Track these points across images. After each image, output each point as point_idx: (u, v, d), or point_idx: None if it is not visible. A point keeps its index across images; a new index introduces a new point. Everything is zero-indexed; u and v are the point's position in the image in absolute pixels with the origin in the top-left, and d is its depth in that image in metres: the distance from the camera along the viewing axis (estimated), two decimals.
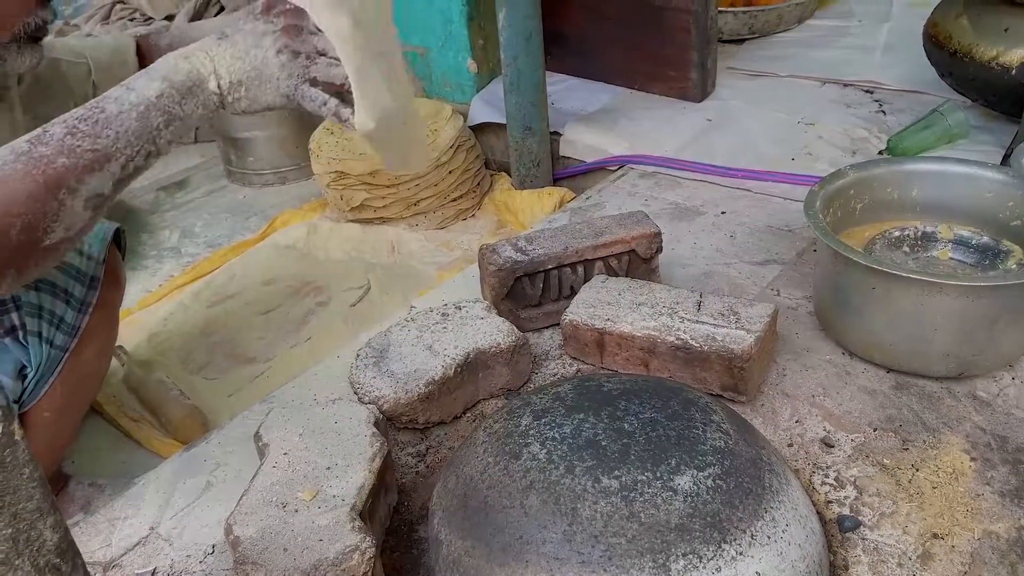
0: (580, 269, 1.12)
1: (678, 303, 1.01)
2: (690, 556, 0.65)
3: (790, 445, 0.89)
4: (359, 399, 0.95)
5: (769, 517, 0.69)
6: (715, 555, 0.65)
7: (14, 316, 1.01)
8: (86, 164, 0.65)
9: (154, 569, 0.83)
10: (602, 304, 1.03)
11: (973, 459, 0.84)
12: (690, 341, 0.95)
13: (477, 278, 1.17)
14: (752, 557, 0.66)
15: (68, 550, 0.48)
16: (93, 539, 0.87)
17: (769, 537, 0.68)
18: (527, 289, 1.11)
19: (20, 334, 1.02)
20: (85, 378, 1.12)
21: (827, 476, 0.85)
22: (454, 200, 1.81)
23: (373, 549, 0.70)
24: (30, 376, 1.03)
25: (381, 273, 1.64)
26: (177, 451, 1.03)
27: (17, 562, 0.43)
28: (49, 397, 1.05)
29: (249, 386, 1.38)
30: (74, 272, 1.01)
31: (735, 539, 0.67)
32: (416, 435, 0.96)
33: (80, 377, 1.09)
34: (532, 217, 1.69)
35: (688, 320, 0.98)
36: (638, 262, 1.14)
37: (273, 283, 1.64)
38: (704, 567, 0.65)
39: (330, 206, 1.89)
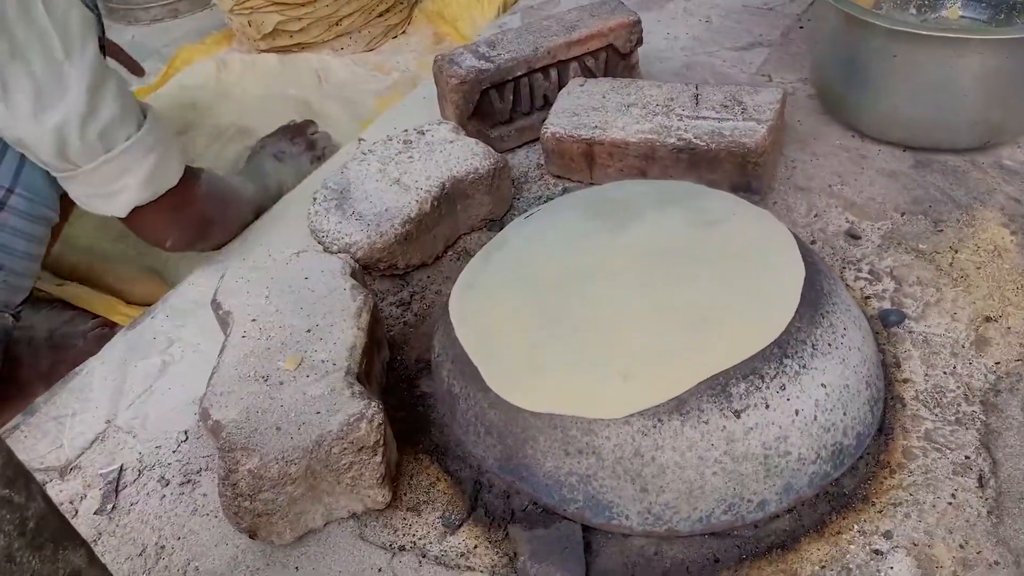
0: (553, 73, 0.98)
1: (673, 99, 0.89)
2: (751, 377, 0.57)
3: (813, 242, 0.81)
4: (325, 249, 0.82)
5: (827, 323, 0.61)
6: (777, 372, 0.58)
7: None
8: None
9: (120, 466, 0.71)
10: (586, 110, 0.90)
11: (1013, 232, 0.77)
12: (694, 140, 0.83)
13: (429, 99, 1.02)
14: (816, 368, 0.59)
15: (18, 477, 0.37)
16: (40, 442, 0.75)
17: (830, 345, 0.60)
18: (495, 103, 0.96)
19: None
20: None
21: (860, 270, 0.77)
22: (380, 15, 1.58)
23: (381, 414, 0.60)
24: None
25: (311, 108, 1.45)
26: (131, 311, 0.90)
27: None
28: None
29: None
30: None
31: (796, 352, 0.59)
32: (396, 282, 0.84)
33: None
34: (473, 25, 1.50)
35: (688, 117, 0.86)
36: (616, 59, 1.00)
37: (188, 131, 1.43)
38: (767, 387, 0.57)
39: (237, 37, 1.64)
